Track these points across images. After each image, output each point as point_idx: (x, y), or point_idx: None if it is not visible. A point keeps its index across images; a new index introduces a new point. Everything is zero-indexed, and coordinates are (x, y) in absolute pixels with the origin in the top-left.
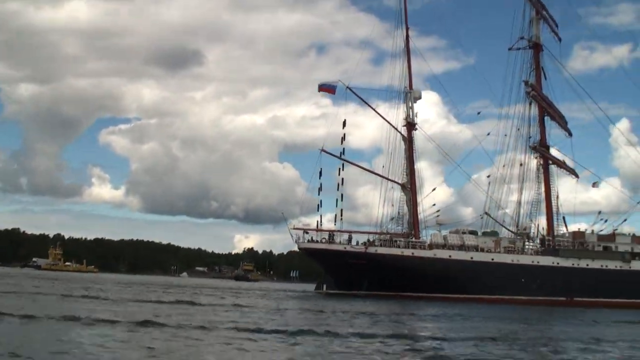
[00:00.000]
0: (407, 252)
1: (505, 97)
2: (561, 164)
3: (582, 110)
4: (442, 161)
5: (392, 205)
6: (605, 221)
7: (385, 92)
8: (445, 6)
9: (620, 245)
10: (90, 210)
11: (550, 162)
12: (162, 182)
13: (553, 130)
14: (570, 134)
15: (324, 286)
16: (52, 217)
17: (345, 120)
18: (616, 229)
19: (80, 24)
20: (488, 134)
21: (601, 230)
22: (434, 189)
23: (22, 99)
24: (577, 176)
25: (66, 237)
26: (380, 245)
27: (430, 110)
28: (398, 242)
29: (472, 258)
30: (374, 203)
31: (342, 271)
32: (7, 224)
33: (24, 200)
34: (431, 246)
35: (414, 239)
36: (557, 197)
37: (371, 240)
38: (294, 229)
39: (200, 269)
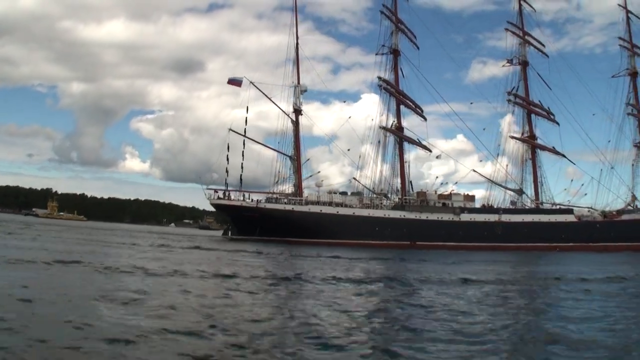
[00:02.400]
0: (288, 207)
1: (372, 90)
2: (414, 142)
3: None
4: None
5: (279, 171)
6: (442, 184)
7: (281, 86)
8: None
9: (455, 202)
10: (125, 178)
11: (404, 140)
12: (177, 158)
13: (408, 116)
14: (425, 119)
15: (229, 232)
16: (98, 182)
17: (247, 107)
18: (453, 190)
19: (118, 38)
20: (349, 117)
21: (445, 191)
22: (308, 159)
23: (74, 94)
24: (430, 151)
25: (89, 195)
26: (269, 202)
27: (372, 108)
28: (282, 199)
29: (338, 212)
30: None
31: (241, 221)
32: (65, 187)
33: (76, 169)
34: (307, 202)
35: (296, 197)
36: (409, 166)
37: (269, 198)
38: (207, 189)
39: (187, 221)
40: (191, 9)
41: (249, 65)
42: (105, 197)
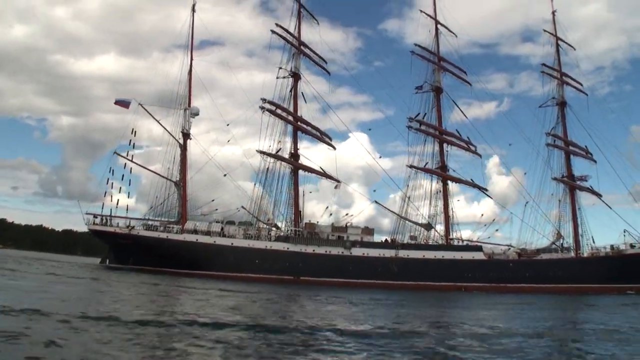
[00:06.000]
0: (163, 235)
1: (360, 130)
2: (313, 171)
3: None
4: (368, 183)
5: (157, 197)
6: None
7: (172, 110)
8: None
9: (352, 235)
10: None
11: (299, 168)
12: (163, 194)
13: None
14: (334, 148)
15: (107, 260)
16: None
17: (133, 130)
18: (349, 223)
19: (108, 73)
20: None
21: (348, 223)
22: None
23: (62, 127)
24: (338, 181)
25: (49, 228)
26: (144, 229)
27: (361, 147)
28: (159, 227)
29: (215, 242)
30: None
31: (116, 248)
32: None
33: (62, 204)
34: (183, 231)
35: (171, 225)
36: (303, 197)
37: (145, 224)
38: (87, 214)
39: None
40: (182, 45)
41: (237, 102)
42: (54, 229)
